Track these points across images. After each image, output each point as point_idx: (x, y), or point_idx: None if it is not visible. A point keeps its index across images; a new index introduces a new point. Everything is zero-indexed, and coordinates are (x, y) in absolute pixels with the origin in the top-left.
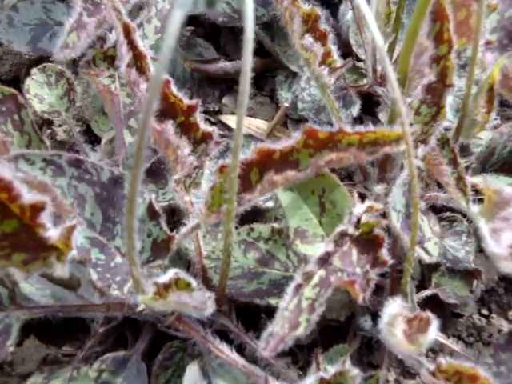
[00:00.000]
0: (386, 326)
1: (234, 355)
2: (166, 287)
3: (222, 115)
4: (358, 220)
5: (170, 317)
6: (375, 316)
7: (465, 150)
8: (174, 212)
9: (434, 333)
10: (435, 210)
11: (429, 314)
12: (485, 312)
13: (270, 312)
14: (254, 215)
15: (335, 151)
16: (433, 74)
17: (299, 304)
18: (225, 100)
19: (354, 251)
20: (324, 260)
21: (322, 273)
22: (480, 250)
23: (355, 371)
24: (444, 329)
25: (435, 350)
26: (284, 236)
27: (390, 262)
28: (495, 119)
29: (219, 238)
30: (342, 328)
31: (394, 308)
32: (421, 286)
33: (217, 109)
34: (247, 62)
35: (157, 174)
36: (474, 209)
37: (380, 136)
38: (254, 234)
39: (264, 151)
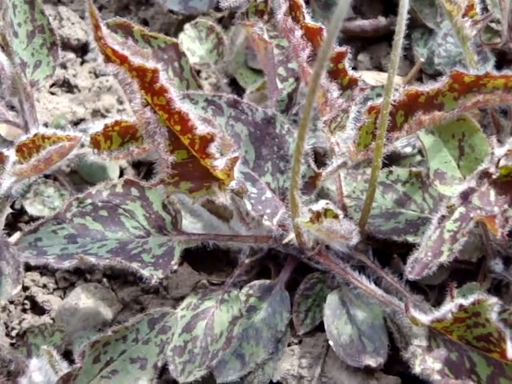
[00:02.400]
0: None
1: (372, 286)
2: (318, 215)
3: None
4: (498, 162)
5: (311, 251)
6: (506, 259)
7: None
8: (316, 156)
9: None
10: None
11: None
12: None
13: (403, 254)
14: (391, 161)
15: (481, 94)
16: None
17: (441, 235)
18: (360, 57)
19: (492, 192)
20: (466, 195)
21: (461, 209)
22: None
23: (493, 299)
24: None
25: None
26: (424, 176)
27: None
28: None
29: (359, 180)
30: (472, 271)
31: None
32: None
33: (352, 66)
34: (402, 18)
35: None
36: None
37: None
38: (393, 177)
39: (412, 93)
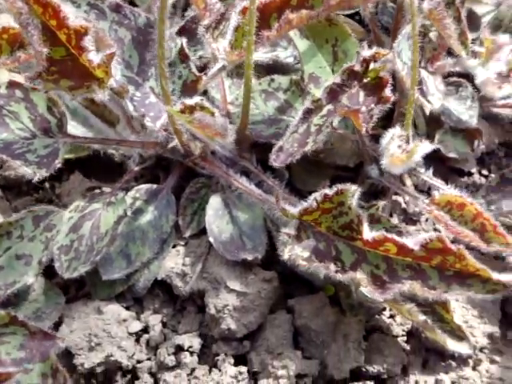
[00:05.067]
0: (385, 145)
1: (252, 186)
2: (191, 108)
3: None
4: (367, 65)
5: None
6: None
7: (473, 21)
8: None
9: (426, 148)
10: (443, 77)
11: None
12: (485, 172)
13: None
14: (273, 71)
15: None
16: None
17: (308, 129)
18: None
19: (362, 93)
20: (334, 94)
21: (330, 107)
22: (483, 117)
23: (354, 187)
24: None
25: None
26: (299, 79)
27: (393, 98)
28: None
29: (242, 88)
30: (351, 178)
31: (395, 131)
32: None
33: None
34: None
35: (190, 32)
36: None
37: None
38: (274, 85)
39: None
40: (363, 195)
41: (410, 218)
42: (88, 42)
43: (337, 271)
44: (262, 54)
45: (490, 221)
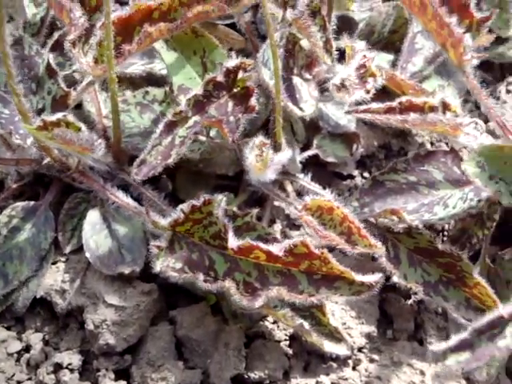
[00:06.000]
0: (246, 154)
1: (128, 200)
2: (54, 124)
3: None
4: (235, 75)
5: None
6: None
7: (350, 28)
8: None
9: (284, 156)
10: (322, 83)
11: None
12: (366, 175)
13: (171, 174)
14: (148, 82)
15: (200, 5)
16: None
17: (173, 141)
18: None
19: (230, 103)
20: (198, 103)
21: (196, 118)
22: (362, 121)
23: (220, 196)
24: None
25: None
26: (169, 90)
27: (257, 107)
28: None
29: (118, 101)
30: (234, 186)
31: (256, 140)
32: (306, 149)
33: None
34: None
35: (63, 47)
36: (339, 67)
37: None
38: (149, 97)
39: (144, 9)
40: (245, 203)
41: (293, 224)
42: None
43: (206, 281)
44: (137, 67)
45: (355, 223)
